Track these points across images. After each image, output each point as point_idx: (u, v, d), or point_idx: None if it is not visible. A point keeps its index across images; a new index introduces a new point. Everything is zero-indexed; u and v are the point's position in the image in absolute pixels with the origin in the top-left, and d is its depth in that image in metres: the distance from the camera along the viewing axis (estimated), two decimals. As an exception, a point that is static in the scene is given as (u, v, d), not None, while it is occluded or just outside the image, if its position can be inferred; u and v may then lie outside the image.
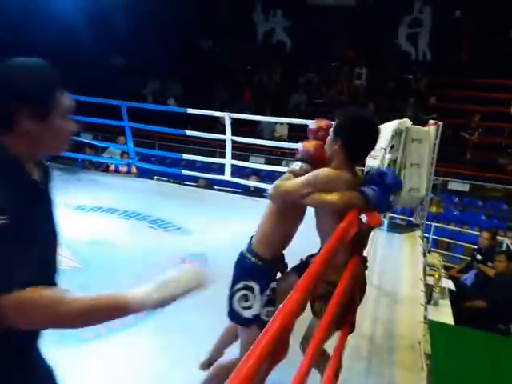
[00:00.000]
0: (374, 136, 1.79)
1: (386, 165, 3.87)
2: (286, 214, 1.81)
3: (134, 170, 6.48)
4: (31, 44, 9.34)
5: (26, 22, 9.34)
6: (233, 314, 1.81)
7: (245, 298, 1.77)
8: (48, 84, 1.05)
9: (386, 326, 2.78)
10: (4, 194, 0.92)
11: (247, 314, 1.76)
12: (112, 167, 6.66)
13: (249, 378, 0.67)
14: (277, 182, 1.80)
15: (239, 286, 1.79)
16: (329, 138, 1.81)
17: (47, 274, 1.11)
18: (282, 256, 1.93)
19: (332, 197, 1.68)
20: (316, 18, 11.40)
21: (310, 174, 1.74)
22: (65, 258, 3.33)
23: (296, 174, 1.80)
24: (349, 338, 1.88)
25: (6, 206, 0.90)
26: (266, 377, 0.98)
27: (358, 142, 1.77)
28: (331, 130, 1.81)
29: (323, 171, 1.73)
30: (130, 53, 12.90)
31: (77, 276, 3.08)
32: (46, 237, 1.10)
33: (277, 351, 0.82)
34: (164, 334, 2.51)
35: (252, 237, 1.90)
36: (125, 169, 6.53)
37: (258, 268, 1.79)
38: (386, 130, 4.34)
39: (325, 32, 11.29)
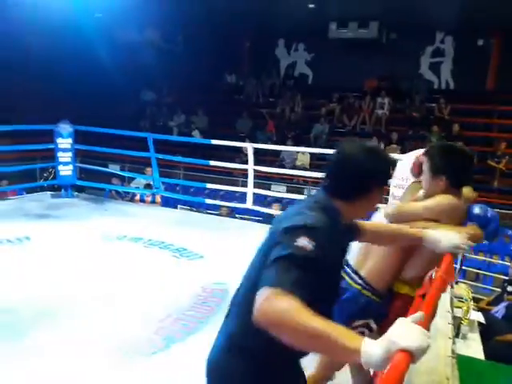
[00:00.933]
0: (471, 163, 1.85)
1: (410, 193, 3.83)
2: (406, 250, 1.81)
3: (158, 199, 6.63)
4: (67, 80, 9.92)
5: (62, 57, 9.90)
6: None
7: (361, 334, 1.73)
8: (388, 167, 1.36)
9: (412, 361, 2.69)
10: (324, 233, 1.15)
11: None
12: (137, 197, 6.84)
13: None
14: (398, 205, 1.92)
15: (359, 323, 1.79)
16: (426, 177, 1.84)
17: (328, 295, 1.32)
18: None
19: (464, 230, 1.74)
20: (337, 50, 11.63)
21: (431, 200, 1.79)
22: (91, 286, 3.40)
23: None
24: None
25: (323, 242, 1.12)
26: None
27: (463, 171, 1.82)
28: (426, 168, 1.83)
29: (444, 198, 1.76)
30: (159, 88, 13.44)
31: (102, 304, 3.14)
32: (335, 269, 1.34)
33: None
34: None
35: (354, 270, 1.86)
36: (149, 198, 6.69)
37: (376, 304, 1.79)
38: (412, 158, 4.32)
39: (347, 63, 11.48)
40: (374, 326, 1.79)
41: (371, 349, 0.93)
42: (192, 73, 12.11)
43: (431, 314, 1.24)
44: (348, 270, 1.87)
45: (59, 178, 6.38)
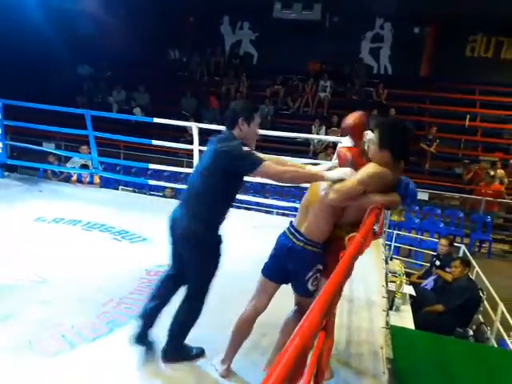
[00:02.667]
0: (411, 139, 2.14)
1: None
2: (337, 210, 2.10)
3: (97, 179, 6.35)
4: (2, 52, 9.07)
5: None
6: (305, 291, 2.16)
7: (315, 278, 2.15)
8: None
9: (349, 332, 2.85)
10: None
11: (315, 287, 2.15)
12: (74, 177, 6.51)
13: None
14: (336, 187, 2.00)
15: (312, 272, 2.13)
16: (373, 149, 2.04)
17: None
18: None
19: (381, 198, 1.99)
20: (282, 30, 11.64)
21: (362, 172, 1.99)
22: (24, 272, 3.22)
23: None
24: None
25: None
26: None
27: (405, 149, 2.05)
28: (375, 142, 2.04)
29: (375, 167, 1.99)
30: (97, 62, 12.73)
31: (38, 291, 2.99)
32: None
33: (296, 370, 0.90)
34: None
35: (297, 232, 2.14)
36: (87, 179, 6.39)
37: (319, 253, 2.13)
38: (349, 141, 4.48)
39: (291, 45, 11.54)
40: (321, 267, 2.15)
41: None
42: (133, 47, 11.58)
43: (345, 274, 1.44)
44: (292, 229, 2.16)
45: (-14, 156, 5.89)
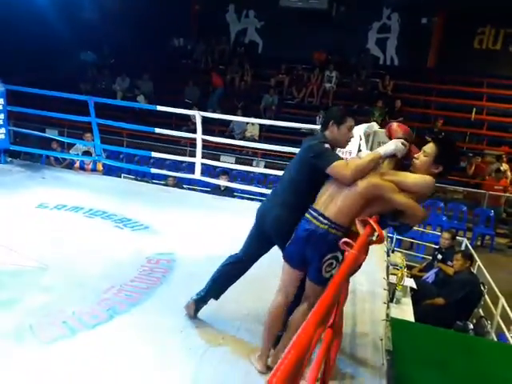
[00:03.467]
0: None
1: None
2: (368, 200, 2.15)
3: (99, 167, 6.34)
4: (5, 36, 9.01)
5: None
6: (316, 277, 2.19)
7: (331, 265, 2.16)
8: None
9: (349, 323, 2.85)
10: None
11: (328, 275, 2.15)
12: (77, 164, 6.50)
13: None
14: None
15: (329, 256, 2.15)
16: (427, 160, 2.13)
17: None
18: None
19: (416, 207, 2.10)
20: (288, 19, 11.51)
21: (419, 178, 2.11)
22: (26, 258, 3.23)
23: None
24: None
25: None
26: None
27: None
28: (432, 155, 2.13)
29: (430, 181, 2.12)
30: (101, 49, 12.65)
31: (40, 276, 3.00)
32: None
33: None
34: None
35: (320, 213, 2.17)
36: (90, 166, 6.38)
37: (341, 239, 2.04)
38: (355, 133, 4.45)
39: (297, 34, 11.42)
40: (340, 257, 2.15)
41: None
42: (138, 34, 11.49)
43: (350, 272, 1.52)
44: (314, 213, 2.18)
45: (-11, 141, 5.88)
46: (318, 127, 9.83)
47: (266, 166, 8.11)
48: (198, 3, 12.80)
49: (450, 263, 5.02)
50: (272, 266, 2.43)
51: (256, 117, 8.28)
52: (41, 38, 9.60)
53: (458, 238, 6.22)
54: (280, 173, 6.14)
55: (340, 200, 2.15)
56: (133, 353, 2.30)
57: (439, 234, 6.16)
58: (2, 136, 5.85)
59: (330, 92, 11.05)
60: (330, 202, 2.17)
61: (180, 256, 3.56)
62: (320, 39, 11.40)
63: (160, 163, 8.07)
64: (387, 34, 12.01)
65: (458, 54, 10.79)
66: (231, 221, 4.31)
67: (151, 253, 3.54)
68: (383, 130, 4.51)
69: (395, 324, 3.18)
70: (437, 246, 5.80)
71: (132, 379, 2.14)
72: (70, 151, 6.99)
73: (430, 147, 2.15)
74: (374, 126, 4.50)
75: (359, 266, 2.16)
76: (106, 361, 2.23)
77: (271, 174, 6.70)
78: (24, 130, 6.52)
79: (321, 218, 2.14)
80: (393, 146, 2.19)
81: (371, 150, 4.42)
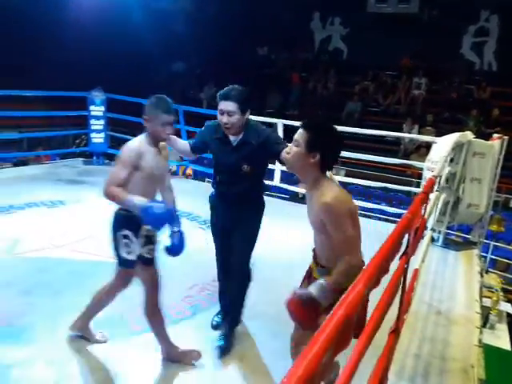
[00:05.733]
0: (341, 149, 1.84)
1: (444, 178, 3.72)
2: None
3: (189, 171, 6.67)
4: (96, 48, 9.96)
5: (94, 24, 9.92)
6: (121, 261, 2.21)
7: (126, 245, 2.16)
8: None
9: (436, 347, 2.65)
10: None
11: (131, 256, 2.17)
12: (174, 169, 6.90)
13: (313, 365, 0.69)
14: None
15: (116, 235, 2.19)
16: (298, 150, 1.71)
17: None
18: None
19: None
20: (375, 25, 11.21)
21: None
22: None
23: None
24: (395, 354, 1.82)
25: None
26: (329, 365, 0.99)
27: (335, 155, 1.78)
28: (302, 141, 1.71)
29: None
30: (190, 58, 13.36)
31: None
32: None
33: (340, 339, 0.86)
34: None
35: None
36: (183, 171, 6.73)
37: (127, 217, 2.13)
38: (446, 141, 4.17)
39: (384, 40, 11.07)
40: (129, 233, 2.20)
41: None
42: (223, 44, 11.94)
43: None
44: None
45: (91, 145, 6.48)
46: (406, 135, 9.31)
47: (346, 175, 7.91)
48: (283, 12, 12.99)
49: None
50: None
51: (338, 124, 8.14)
52: (137, 51, 10.39)
53: None
54: (361, 182, 5.99)
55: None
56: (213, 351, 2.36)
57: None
58: (101, 140, 6.42)
59: (418, 99, 10.52)
60: None
61: (258, 261, 3.59)
62: (409, 45, 10.92)
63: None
64: (485, 38, 11.14)
65: None
66: (309, 228, 4.30)
67: (232, 255, 3.62)
68: (480, 141, 4.19)
69: (489, 351, 2.90)
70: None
71: (211, 375, 2.20)
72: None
73: (299, 134, 1.74)
74: (468, 135, 4.19)
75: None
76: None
77: (351, 183, 6.53)
78: (120, 135, 7.08)
79: None
80: None
81: (465, 160, 4.10)
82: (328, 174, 1.80)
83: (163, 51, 11.42)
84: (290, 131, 6.49)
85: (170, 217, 2.18)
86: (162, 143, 2.27)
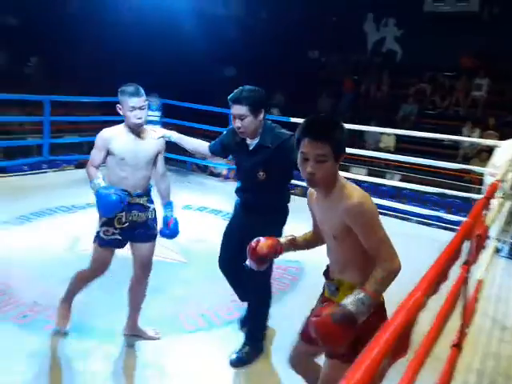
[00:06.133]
0: None
1: (509, 183, 3.49)
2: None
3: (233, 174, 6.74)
4: (150, 54, 10.35)
5: (145, 33, 10.32)
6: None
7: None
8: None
9: (501, 364, 2.48)
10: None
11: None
12: (216, 171, 7.02)
13: (370, 372, 0.67)
14: None
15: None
16: (329, 165, 1.43)
17: None
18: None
19: None
20: (431, 25, 10.79)
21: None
22: (172, 252, 3.59)
23: None
24: (456, 370, 1.72)
25: None
26: (386, 372, 0.94)
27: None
28: (328, 153, 1.43)
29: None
30: (240, 63, 13.54)
31: (181, 270, 3.30)
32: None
33: (398, 346, 0.83)
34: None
35: None
36: (225, 172, 6.82)
37: None
38: (510, 145, 3.94)
39: (441, 40, 10.62)
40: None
41: None
42: (274, 49, 11.99)
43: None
44: None
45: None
46: (466, 139, 8.80)
47: (401, 180, 7.64)
48: (335, 15, 12.84)
49: None
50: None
51: (392, 127, 7.88)
52: (188, 57, 10.67)
53: None
54: (416, 187, 5.75)
55: None
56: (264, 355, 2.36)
57: None
58: (157, 144, 6.64)
59: (479, 101, 9.97)
60: None
61: (307, 265, 3.56)
62: (468, 44, 10.37)
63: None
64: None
65: None
66: None
67: (279, 259, 3.59)
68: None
69: None
70: None
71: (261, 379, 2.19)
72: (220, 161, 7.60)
73: (319, 148, 1.41)
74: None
75: None
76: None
77: (406, 188, 6.30)
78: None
79: None
80: None
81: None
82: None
83: (215, 56, 11.67)
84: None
85: (114, 206, 2.17)
86: (148, 131, 2.36)
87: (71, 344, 2.40)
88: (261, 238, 1.70)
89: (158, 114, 6.55)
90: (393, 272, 1.40)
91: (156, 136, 2.39)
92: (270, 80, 12.54)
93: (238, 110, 2.15)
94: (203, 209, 4.81)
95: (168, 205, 2.46)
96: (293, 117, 6.23)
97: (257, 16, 13.00)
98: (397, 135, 9.22)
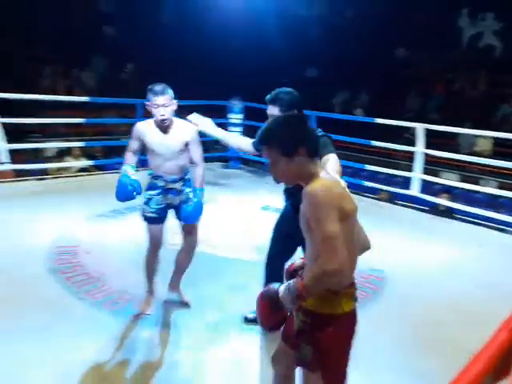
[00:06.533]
0: None
1: None
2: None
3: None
4: (237, 58, 10.62)
5: (234, 38, 10.59)
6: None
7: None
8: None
9: None
10: None
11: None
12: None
13: None
14: None
15: None
16: (282, 165, 1.48)
17: None
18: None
19: None
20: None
21: None
22: (250, 251, 3.66)
23: None
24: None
25: None
26: None
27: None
28: (274, 154, 1.49)
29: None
30: (323, 64, 13.37)
31: (256, 268, 3.35)
32: None
33: (503, 365, 0.79)
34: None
35: None
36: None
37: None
38: None
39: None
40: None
41: None
42: (359, 48, 11.66)
43: None
44: None
45: (229, 150, 6.91)
46: None
47: (498, 187, 6.97)
48: (426, 12, 12.13)
49: None
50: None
51: (489, 129, 7.21)
52: (270, 58, 10.76)
53: None
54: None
55: None
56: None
57: None
58: (238, 145, 6.80)
59: None
60: None
61: (390, 275, 3.40)
62: None
63: (373, 176, 7.91)
64: None
65: None
66: (448, 244, 3.99)
67: (360, 267, 3.47)
68: None
69: None
70: None
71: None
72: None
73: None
74: None
75: None
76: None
77: (503, 196, 5.73)
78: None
79: None
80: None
81: None
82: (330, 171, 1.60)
83: (297, 57, 11.64)
84: (431, 136, 6.02)
85: (126, 196, 2.53)
86: (176, 124, 2.55)
87: (153, 331, 2.60)
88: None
89: (240, 116, 6.70)
90: (326, 272, 1.31)
91: (192, 126, 2.61)
92: (354, 80, 12.24)
93: (271, 110, 2.31)
94: (279, 210, 4.83)
95: (196, 190, 2.67)
96: (379, 117, 5.98)
97: (341, 15, 12.73)
98: (494, 138, 8.45)
